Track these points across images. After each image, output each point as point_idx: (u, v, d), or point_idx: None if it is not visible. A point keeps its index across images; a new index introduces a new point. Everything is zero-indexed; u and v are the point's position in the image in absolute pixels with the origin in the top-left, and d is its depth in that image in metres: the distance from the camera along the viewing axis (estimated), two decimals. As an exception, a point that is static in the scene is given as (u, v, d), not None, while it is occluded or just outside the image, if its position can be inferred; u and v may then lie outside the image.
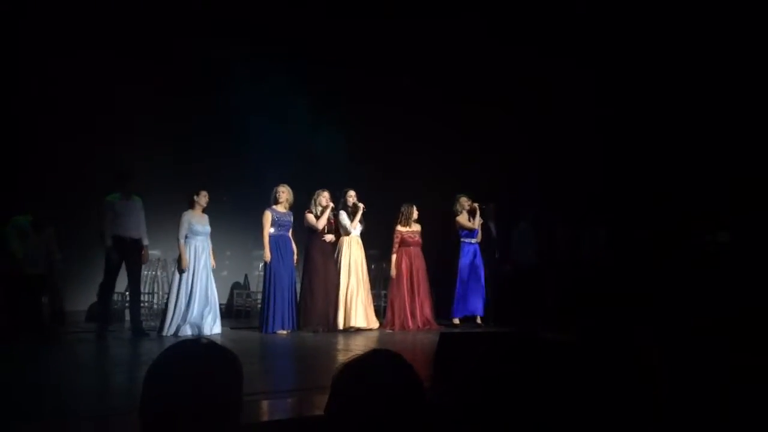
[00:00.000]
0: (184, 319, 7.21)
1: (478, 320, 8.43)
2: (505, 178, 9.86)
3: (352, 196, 8.17)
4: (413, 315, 8.17)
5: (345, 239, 8.09)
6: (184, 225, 7.37)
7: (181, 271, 7.33)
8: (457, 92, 10.16)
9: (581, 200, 9.94)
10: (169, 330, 7.19)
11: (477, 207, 8.53)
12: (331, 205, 7.93)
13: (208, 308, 7.34)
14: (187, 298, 7.24)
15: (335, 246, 8.08)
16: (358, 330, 7.79)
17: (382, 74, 10.03)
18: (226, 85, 9.86)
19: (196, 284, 7.28)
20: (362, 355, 1.36)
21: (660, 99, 9.73)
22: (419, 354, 5.50)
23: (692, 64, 8.79)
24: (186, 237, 7.37)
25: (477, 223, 8.53)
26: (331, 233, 7.99)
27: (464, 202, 8.56)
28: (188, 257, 7.32)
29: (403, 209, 8.41)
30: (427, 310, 8.30)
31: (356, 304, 7.87)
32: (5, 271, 7.05)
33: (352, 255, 8.05)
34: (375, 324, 8.02)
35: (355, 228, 8.09)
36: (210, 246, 7.55)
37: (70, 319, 8.28)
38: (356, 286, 7.94)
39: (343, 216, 8.12)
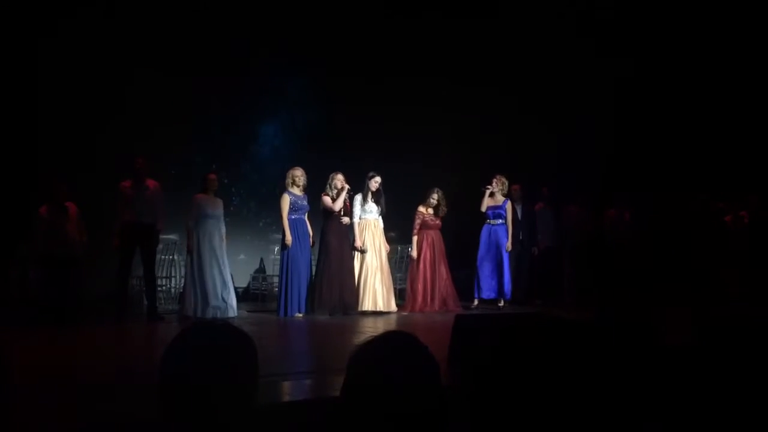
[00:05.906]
0: (205, 300, 7.23)
1: (501, 303, 8.39)
2: (525, 159, 9.80)
3: (376, 182, 8.05)
4: (432, 297, 8.17)
5: (366, 222, 8.06)
6: (194, 209, 7.39)
7: (189, 254, 7.37)
8: (474, 74, 10.10)
9: (603, 181, 9.87)
10: (190, 311, 7.21)
11: (483, 190, 8.45)
12: (347, 187, 7.87)
13: (226, 290, 7.36)
14: (202, 280, 7.25)
15: (351, 228, 8.06)
16: (376, 313, 7.79)
17: (400, 59, 9.99)
18: (244, 73, 9.86)
19: (206, 266, 7.28)
20: (377, 336, 1.36)
21: (684, 81, 9.66)
22: (436, 336, 5.49)
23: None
24: (197, 220, 7.37)
25: (484, 205, 8.44)
26: (347, 215, 7.97)
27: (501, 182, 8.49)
28: (197, 240, 7.31)
29: (430, 192, 8.38)
30: (446, 292, 8.28)
31: (374, 287, 7.85)
32: (40, 256, 7.10)
33: (374, 237, 8.03)
34: (393, 307, 7.99)
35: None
36: (224, 229, 7.56)
37: (89, 303, 8.36)
38: (376, 269, 7.91)
39: (356, 200, 8.04)
